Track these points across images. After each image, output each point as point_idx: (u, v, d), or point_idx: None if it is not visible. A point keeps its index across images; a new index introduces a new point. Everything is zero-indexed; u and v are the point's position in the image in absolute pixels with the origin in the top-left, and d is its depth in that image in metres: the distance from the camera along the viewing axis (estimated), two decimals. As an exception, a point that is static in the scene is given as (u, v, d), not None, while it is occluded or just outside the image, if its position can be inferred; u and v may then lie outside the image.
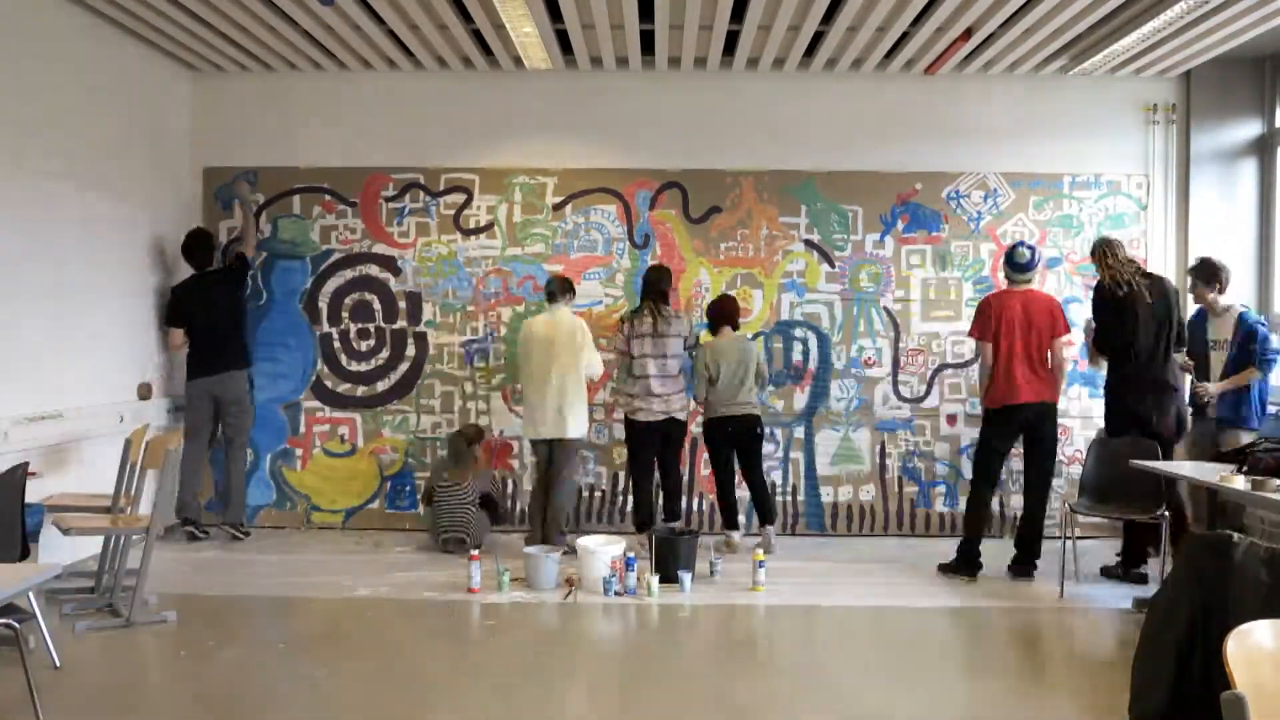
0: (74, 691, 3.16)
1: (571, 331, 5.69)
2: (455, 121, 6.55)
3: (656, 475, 5.87)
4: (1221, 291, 5.38)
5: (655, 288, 5.81)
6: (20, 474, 3.66)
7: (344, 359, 6.52)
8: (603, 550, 5.00)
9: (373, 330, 6.52)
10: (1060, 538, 5.14)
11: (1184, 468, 4.82)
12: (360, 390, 6.52)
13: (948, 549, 5.65)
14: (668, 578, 4.99)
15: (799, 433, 6.49)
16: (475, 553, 5.05)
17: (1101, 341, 5.31)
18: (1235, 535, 2.97)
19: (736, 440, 5.86)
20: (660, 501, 5.97)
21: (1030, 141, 6.50)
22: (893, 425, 6.49)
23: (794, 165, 6.49)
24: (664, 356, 5.72)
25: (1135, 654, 3.08)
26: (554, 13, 5.40)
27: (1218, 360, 5.45)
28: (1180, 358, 5.31)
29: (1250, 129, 6.41)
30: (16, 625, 2.95)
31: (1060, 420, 6.44)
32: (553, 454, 5.78)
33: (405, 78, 6.49)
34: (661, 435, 5.76)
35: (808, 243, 6.50)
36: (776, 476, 6.44)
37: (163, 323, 6.12)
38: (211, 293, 6.02)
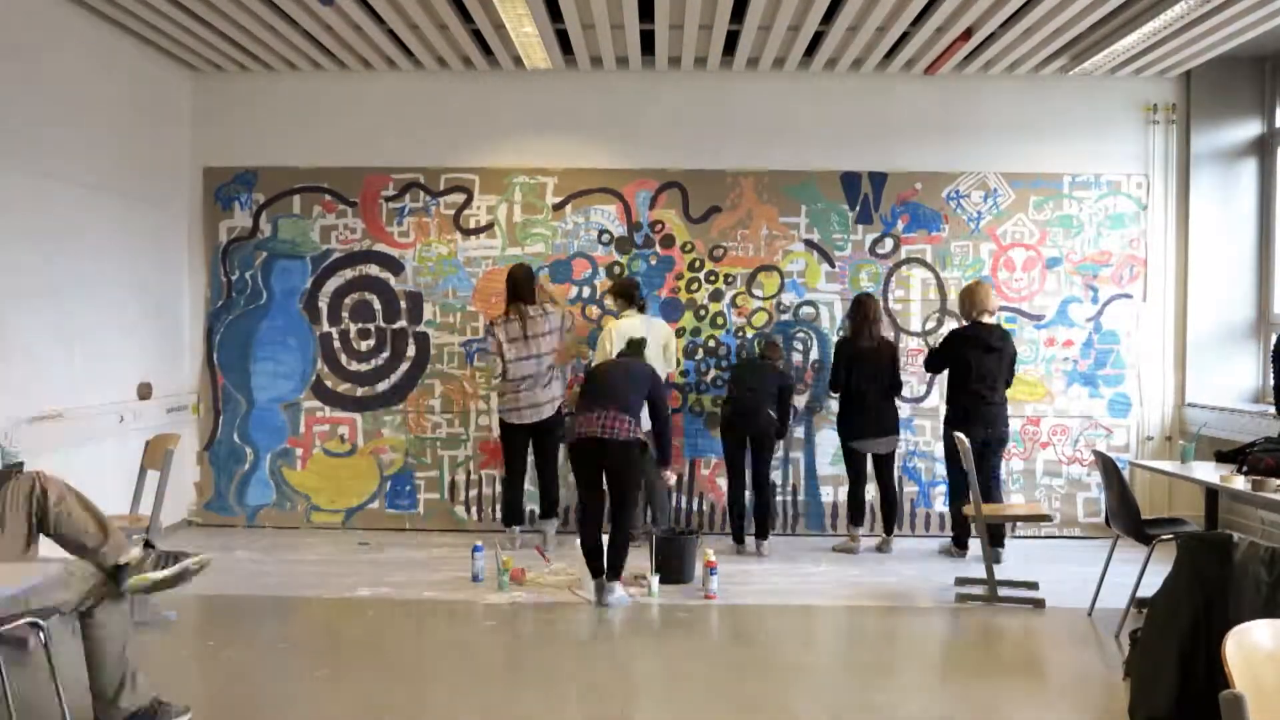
0: (74, 692, 3.17)
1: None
2: (455, 121, 6.55)
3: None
4: None
5: (516, 290, 5.76)
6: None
7: (344, 359, 6.51)
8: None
9: (373, 330, 6.52)
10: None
11: (1187, 468, 4.82)
12: (360, 390, 6.52)
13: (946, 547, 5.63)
14: (669, 577, 5.00)
15: (799, 432, 6.49)
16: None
17: None
18: (1235, 535, 2.98)
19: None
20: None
21: (1030, 141, 6.50)
22: (893, 425, 6.48)
23: (794, 165, 6.49)
24: (536, 357, 5.69)
25: (1136, 654, 3.08)
26: (554, 13, 5.40)
27: None
28: None
29: (1250, 129, 6.41)
30: (43, 624, 2.94)
31: (1061, 420, 6.48)
32: None
33: (405, 78, 6.49)
34: (531, 438, 5.80)
35: (808, 243, 6.50)
36: (777, 476, 6.43)
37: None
38: None
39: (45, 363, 5.06)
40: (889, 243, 6.49)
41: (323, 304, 6.52)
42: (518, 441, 5.82)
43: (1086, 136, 6.50)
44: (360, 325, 6.53)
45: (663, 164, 6.50)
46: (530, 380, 5.69)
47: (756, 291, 6.50)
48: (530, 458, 5.92)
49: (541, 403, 5.71)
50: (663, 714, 3.48)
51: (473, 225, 6.53)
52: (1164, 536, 4.29)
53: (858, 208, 6.50)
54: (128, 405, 5.79)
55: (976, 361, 5.60)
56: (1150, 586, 3.62)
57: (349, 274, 6.52)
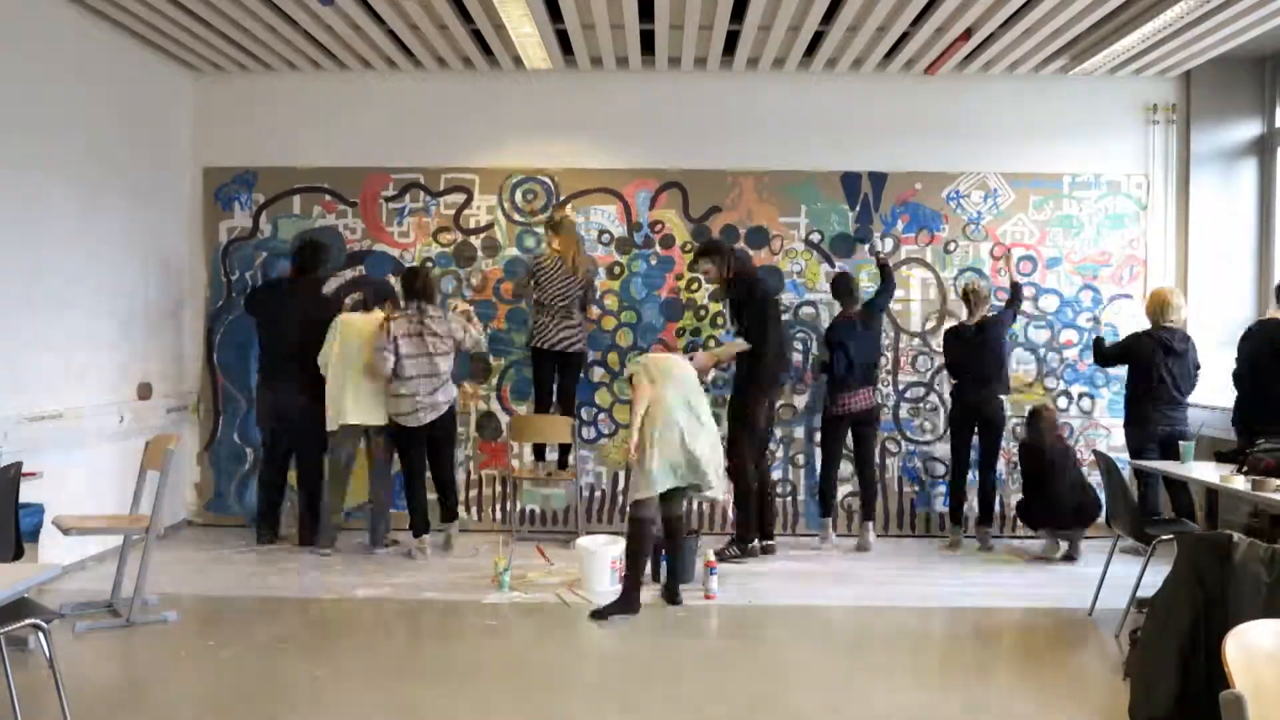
0: (73, 692, 3.17)
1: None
2: (455, 121, 6.55)
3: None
4: None
5: (414, 290, 5.66)
6: (13, 474, 3.64)
7: (344, 359, 6.49)
8: (603, 550, 5.00)
9: (373, 330, 6.51)
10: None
11: (1186, 468, 4.82)
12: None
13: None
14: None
15: (799, 433, 6.49)
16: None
17: None
18: (1235, 535, 2.97)
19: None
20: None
21: (1030, 141, 6.49)
22: (893, 425, 6.48)
23: (794, 165, 6.49)
24: (429, 356, 5.62)
25: (1136, 654, 3.08)
26: (554, 13, 5.40)
27: None
28: None
29: (1250, 129, 6.41)
30: (45, 626, 2.94)
31: (1060, 420, 6.47)
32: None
33: (405, 78, 6.49)
34: (429, 437, 5.74)
35: (808, 242, 6.50)
36: (777, 476, 6.43)
37: None
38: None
39: (45, 362, 5.06)
40: (889, 243, 6.49)
41: (323, 304, 6.50)
42: (414, 444, 5.77)
43: (1086, 136, 6.49)
44: (360, 325, 6.51)
45: (663, 164, 6.50)
46: (426, 380, 5.60)
47: (756, 291, 6.49)
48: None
49: (441, 404, 5.66)
50: (662, 714, 3.48)
51: (472, 225, 6.53)
52: (1164, 536, 4.29)
53: (858, 208, 6.50)
54: (128, 405, 5.78)
55: (1161, 363, 5.54)
56: (1150, 586, 3.62)
57: (349, 274, 6.51)
